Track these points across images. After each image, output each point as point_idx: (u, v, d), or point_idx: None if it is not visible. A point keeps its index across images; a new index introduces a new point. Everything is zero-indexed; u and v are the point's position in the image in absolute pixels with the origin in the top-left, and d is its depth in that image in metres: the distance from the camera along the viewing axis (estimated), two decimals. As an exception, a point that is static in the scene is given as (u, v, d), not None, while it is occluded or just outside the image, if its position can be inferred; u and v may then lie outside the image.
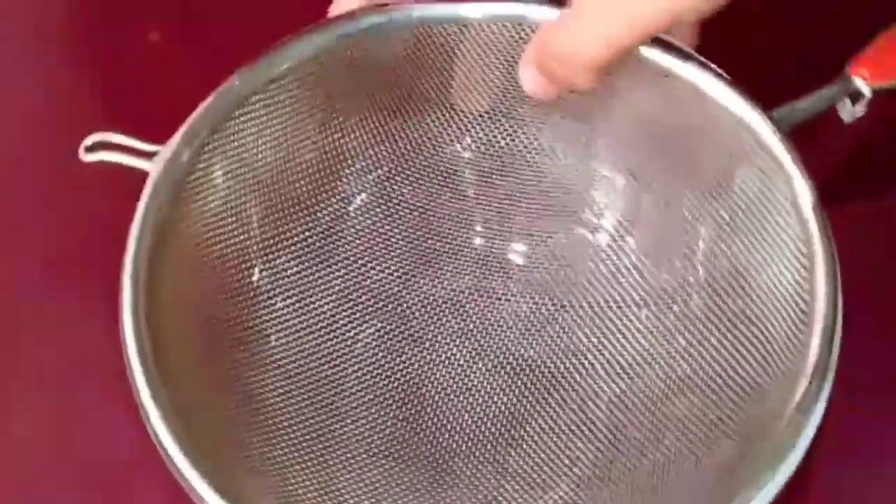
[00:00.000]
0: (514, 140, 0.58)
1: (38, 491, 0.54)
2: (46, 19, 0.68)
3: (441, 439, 0.55)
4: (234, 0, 0.68)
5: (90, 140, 0.52)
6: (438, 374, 0.56)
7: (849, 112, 0.50)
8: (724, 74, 0.51)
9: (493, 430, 0.55)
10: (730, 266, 0.53)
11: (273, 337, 0.55)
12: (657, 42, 0.52)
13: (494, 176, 0.59)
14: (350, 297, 0.57)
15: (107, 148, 0.52)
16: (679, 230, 0.55)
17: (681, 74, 0.52)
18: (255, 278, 0.56)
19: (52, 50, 0.67)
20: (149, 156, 0.52)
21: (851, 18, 0.59)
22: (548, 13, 0.53)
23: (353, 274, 0.57)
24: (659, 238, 0.56)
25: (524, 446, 0.54)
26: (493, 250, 0.59)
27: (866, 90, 0.50)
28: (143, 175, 0.52)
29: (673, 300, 0.55)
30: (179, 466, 0.47)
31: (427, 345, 0.57)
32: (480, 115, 0.58)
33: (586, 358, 0.56)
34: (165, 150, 0.52)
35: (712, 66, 0.51)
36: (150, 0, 0.68)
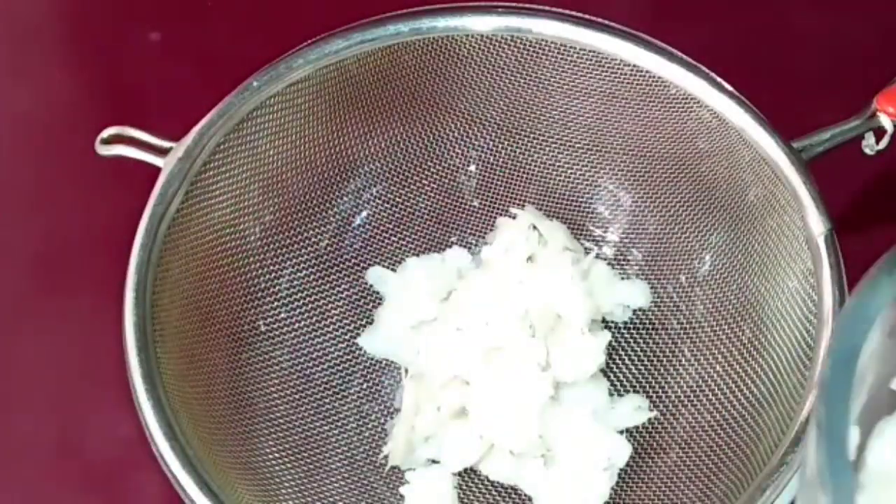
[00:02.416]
0: (519, 153, 0.58)
1: (38, 491, 0.53)
2: (48, 19, 0.68)
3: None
4: (235, 1, 0.67)
5: (107, 133, 0.52)
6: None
7: (871, 146, 0.50)
8: (747, 101, 0.52)
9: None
10: (737, 287, 0.54)
11: (277, 340, 0.55)
12: (680, 63, 0.53)
13: (500, 188, 0.58)
14: (357, 303, 0.57)
15: (122, 141, 0.52)
16: (685, 248, 0.56)
17: (702, 99, 0.52)
18: (261, 280, 0.55)
19: (54, 50, 0.67)
20: (162, 152, 0.52)
21: (880, 52, 0.60)
22: (555, 27, 0.54)
23: (360, 280, 0.57)
24: (663, 254, 0.56)
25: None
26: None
27: (890, 126, 0.50)
28: (151, 173, 0.52)
29: (675, 316, 0.55)
30: (172, 468, 0.47)
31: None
32: (488, 128, 0.58)
33: None
34: (179, 148, 0.52)
35: (735, 92, 0.52)
36: (151, 0, 0.68)
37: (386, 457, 0.52)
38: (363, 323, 0.56)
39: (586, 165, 0.57)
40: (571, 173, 0.58)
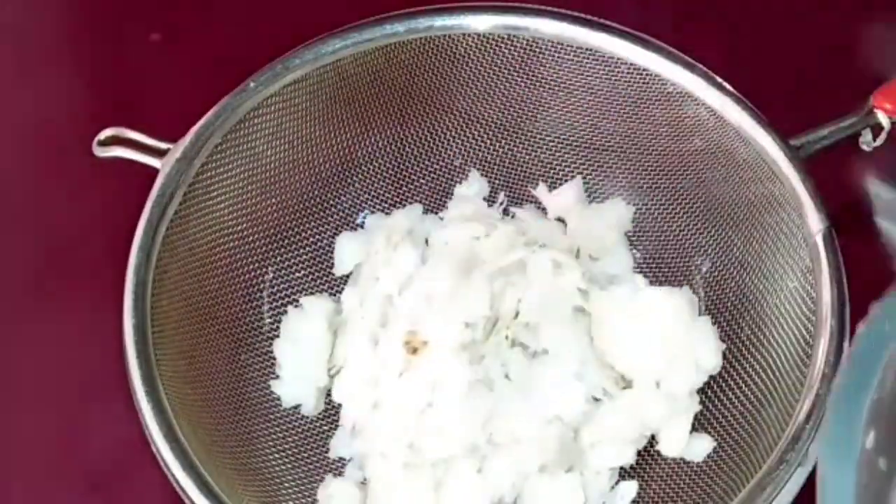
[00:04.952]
0: (518, 152, 0.58)
1: (38, 491, 0.53)
2: (48, 19, 0.68)
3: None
4: (234, 1, 0.68)
5: (104, 134, 0.52)
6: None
7: (868, 143, 0.50)
8: (744, 99, 0.52)
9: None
10: (735, 286, 0.54)
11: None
12: (678, 61, 0.53)
13: (498, 187, 0.58)
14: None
15: (119, 143, 0.52)
16: (684, 246, 0.56)
17: (699, 96, 0.52)
18: (260, 281, 0.55)
19: (53, 51, 0.67)
20: (160, 153, 0.52)
21: (876, 50, 0.60)
22: (552, 25, 0.54)
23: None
24: (663, 253, 0.56)
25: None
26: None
27: (887, 123, 0.50)
28: (150, 173, 0.52)
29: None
30: (172, 468, 0.47)
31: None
32: (486, 127, 0.58)
33: None
34: (176, 149, 0.52)
35: (732, 90, 0.52)
36: (151, 0, 0.68)
37: None
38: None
39: (585, 164, 0.57)
40: (570, 172, 0.58)
